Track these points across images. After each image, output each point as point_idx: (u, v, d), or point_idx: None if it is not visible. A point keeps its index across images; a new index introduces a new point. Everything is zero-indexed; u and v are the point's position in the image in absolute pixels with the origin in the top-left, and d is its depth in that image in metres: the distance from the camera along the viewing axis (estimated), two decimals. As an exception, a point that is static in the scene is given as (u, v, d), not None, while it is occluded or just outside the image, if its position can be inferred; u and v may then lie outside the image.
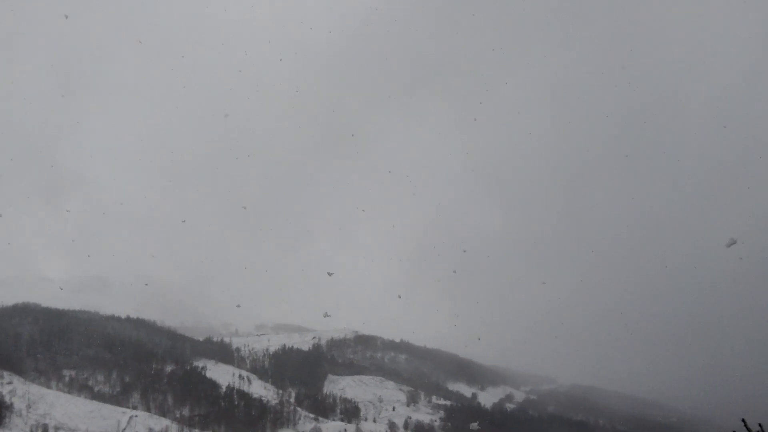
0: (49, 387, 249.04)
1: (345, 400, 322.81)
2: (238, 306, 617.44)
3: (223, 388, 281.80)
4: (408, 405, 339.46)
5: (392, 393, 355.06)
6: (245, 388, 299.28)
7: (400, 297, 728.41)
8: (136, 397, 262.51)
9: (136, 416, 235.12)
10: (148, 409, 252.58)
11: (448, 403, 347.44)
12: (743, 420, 8.24)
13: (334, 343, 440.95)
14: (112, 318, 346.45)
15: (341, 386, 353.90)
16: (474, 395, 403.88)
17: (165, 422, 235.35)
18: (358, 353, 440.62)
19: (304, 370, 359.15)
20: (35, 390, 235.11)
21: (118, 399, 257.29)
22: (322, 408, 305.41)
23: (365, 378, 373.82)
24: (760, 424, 7.69)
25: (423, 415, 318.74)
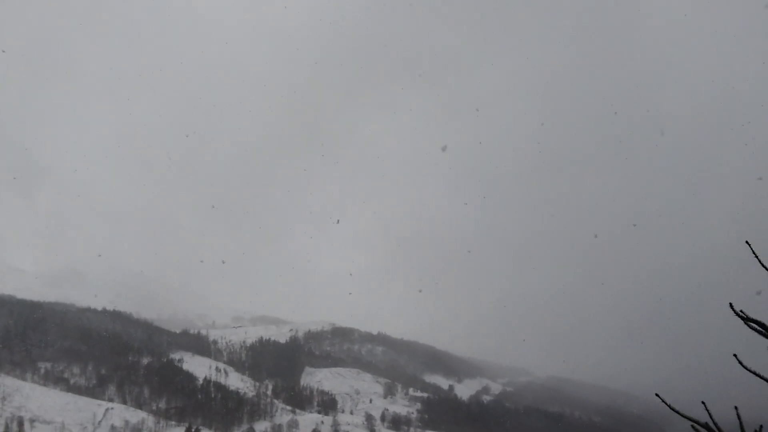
0: (24, 379, 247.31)
1: (322, 393, 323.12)
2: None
3: (200, 381, 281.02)
4: (385, 397, 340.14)
5: (369, 385, 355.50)
6: (222, 380, 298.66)
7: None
8: (112, 389, 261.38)
9: (112, 408, 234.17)
10: (125, 402, 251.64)
11: (425, 395, 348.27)
12: (657, 394, 8.55)
13: (311, 336, 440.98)
14: (88, 310, 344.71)
15: (318, 378, 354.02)
16: (451, 387, 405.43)
17: (141, 414, 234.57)
18: (336, 345, 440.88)
19: (281, 363, 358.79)
20: (10, 382, 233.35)
21: (94, 391, 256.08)
22: (299, 400, 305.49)
23: (342, 370, 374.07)
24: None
25: (400, 407, 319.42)
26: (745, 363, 8.28)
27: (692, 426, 7.93)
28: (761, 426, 8.03)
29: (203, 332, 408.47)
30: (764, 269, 7.98)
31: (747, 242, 8.51)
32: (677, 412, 8.13)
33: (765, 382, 7.96)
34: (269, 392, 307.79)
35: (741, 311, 7.92)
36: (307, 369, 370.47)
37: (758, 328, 7.89)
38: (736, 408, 8.09)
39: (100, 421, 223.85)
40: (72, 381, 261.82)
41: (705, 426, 7.93)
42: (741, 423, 7.83)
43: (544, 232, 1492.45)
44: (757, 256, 8.15)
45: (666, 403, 8.26)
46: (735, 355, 8.31)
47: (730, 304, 8.26)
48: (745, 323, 7.90)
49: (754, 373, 8.02)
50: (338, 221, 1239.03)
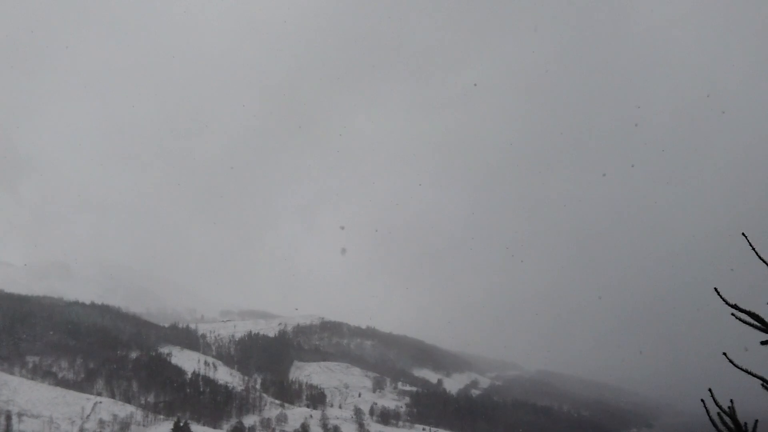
0: (12, 373, 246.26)
1: (311, 387, 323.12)
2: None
3: (189, 375, 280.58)
4: (374, 391, 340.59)
5: (358, 379, 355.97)
6: (211, 374, 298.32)
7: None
8: (100, 383, 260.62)
9: (100, 403, 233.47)
10: (113, 396, 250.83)
11: (414, 389, 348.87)
12: (724, 353, 8.57)
13: (300, 330, 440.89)
14: (76, 304, 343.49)
15: (307, 372, 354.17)
16: (440, 381, 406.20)
17: (130, 409, 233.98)
18: (324, 339, 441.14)
19: (270, 357, 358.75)
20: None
21: (82, 385, 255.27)
22: (288, 394, 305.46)
23: (331, 364, 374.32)
24: (731, 400, 7.97)
25: (389, 401, 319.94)
26: (736, 357, 8.32)
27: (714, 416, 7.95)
28: (756, 421, 8.07)
29: (192, 326, 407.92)
30: (762, 262, 8.02)
31: (743, 234, 8.55)
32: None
33: (757, 378, 8.00)
34: (258, 386, 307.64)
35: (735, 305, 7.97)
36: (296, 363, 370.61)
37: (749, 319, 7.94)
38: (731, 401, 8.13)
39: (88, 415, 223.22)
40: (60, 375, 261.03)
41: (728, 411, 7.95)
42: (736, 415, 7.87)
43: (533, 226, 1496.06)
44: (753, 248, 8.20)
45: (733, 363, 8.27)
46: (725, 354, 8.35)
47: (716, 289, 8.29)
48: (734, 310, 7.94)
49: (745, 370, 8.06)
50: (342, 227, 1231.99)
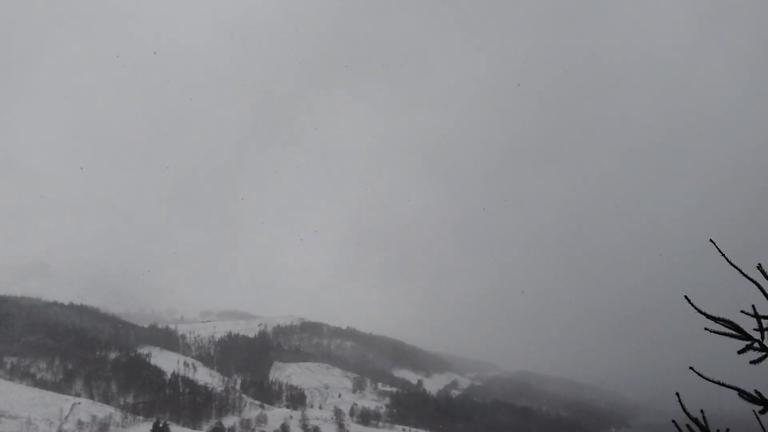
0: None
1: (291, 387, 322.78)
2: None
3: (168, 375, 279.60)
4: (354, 392, 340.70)
5: (338, 380, 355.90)
6: (190, 375, 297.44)
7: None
8: (79, 384, 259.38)
9: (79, 404, 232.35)
10: (92, 397, 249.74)
11: (394, 389, 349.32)
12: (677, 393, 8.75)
13: (280, 330, 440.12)
14: (55, 304, 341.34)
15: (287, 373, 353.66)
16: (420, 382, 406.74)
17: (108, 410, 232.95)
18: (305, 340, 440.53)
19: (250, 357, 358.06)
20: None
21: (61, 386, 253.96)
22: (268, 395, 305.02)
23: (311, 365, 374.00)
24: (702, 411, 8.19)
25: (369, 401, 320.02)
26: (716, 365, 8.55)
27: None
28: (728, 429, 8.24)
29: (171, 327, 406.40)
30: (734, 268, 8.25)
31: (711, 240, 8.79)
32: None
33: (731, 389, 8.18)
34: (238, 387, 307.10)
35: (706, 313, 8.15)
36: (276, 364, 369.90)
37: (724, 328, 8.11)
38: (702, 411, 8.31)
39: (66, 417, 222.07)
40: (38, 376, 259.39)
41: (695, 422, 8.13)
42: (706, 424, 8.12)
43: (516, 229, 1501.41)
44: (723, 254, 8.44)
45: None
46: (692, 368, 8.43)
47: (686, 297, 8.43)
48: (708, 320, 8.13)
49: (717, 382, 8.20)
50: (315, 231, 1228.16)
